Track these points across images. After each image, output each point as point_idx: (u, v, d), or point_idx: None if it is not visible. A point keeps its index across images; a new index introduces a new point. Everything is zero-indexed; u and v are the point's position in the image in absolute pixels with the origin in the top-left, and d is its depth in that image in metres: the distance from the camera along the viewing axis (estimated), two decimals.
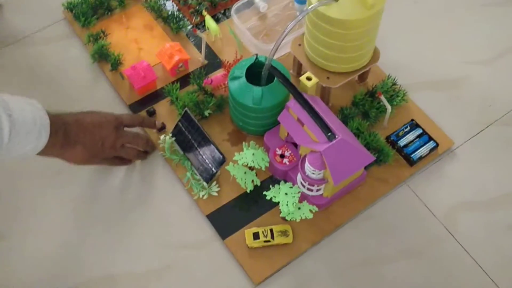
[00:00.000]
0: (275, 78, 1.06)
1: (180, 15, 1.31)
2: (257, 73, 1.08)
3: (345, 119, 1.16)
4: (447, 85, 1.25)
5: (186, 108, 1.11)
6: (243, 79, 1.07)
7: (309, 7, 1.00)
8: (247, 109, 1.08)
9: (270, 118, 1.10)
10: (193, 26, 1.30)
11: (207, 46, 1.27)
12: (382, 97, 1.12)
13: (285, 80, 1.04)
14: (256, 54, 1.09)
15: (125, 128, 1.08)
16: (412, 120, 1.17)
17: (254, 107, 1.06)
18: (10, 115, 0.85)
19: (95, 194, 1.10)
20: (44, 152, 0.93)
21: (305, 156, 1.02)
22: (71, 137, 0.97)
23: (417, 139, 1.15)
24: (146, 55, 1.26)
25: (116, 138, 1.04)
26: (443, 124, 1.18)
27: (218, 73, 1.20)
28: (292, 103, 1.03)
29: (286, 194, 1.02)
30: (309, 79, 1.06)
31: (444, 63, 1.28)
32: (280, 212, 1.03)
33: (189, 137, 1.11)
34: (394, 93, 1.19)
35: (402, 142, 1.14)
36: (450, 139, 1.16)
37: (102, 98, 1.21)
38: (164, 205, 1.09)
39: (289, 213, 1.02)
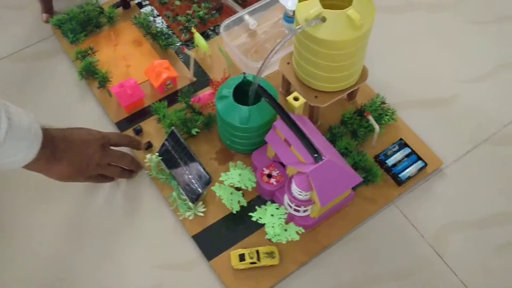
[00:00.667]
0: (263, 97, 1.05)
1: (169, 32, 1.30)
2: (245, 91, 1.07)
3: (333, 138, 1.15)
4: (436, 104, 1.25)
5: (172, 128, 1.11)
6: (230, 98, 1.06)
7: (297, 28, 0.99)
8: (234, 128, 1.07)
9: (257, 137, 1.09)
10: (182, 44, 1.29)
11: (196, 63, 1.26)
12: (370, 117, 1.11)
13: (272, 100, 1.03)
14: (244, 73, 1.09)
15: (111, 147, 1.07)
16: (401, 139, 1.16)
17: (241, 126, 1.05)
18: (10, 118, 0.86)
19: (80, 213, 1.09)
20: (30, 165, 0.93)
21: (292, 177, 1.01)
22: (58, 152, 0.97)
23: (406, 158, 1.14)
24: (135, 72, 1.25)
25: (102, 156, 1.03)
26: (432, 143, 1.17)
27: (206, 91, 1.20)
28: (279, 123, 1.02)
29: (272, 215, 1.01)
30: (296, 99, 1.06)
31: (433, 81, 1.28)
32: (266, 233, 1.02)
33: (175, 156, 1.10)
34: (382, 112, 1.19)
35: (391, 161, 1.13)
36: (439, 159, 1.15)
37: (90, 115, 1.21)
38: (149, 225, 1.08)
39: (275, 235, 1.01)
